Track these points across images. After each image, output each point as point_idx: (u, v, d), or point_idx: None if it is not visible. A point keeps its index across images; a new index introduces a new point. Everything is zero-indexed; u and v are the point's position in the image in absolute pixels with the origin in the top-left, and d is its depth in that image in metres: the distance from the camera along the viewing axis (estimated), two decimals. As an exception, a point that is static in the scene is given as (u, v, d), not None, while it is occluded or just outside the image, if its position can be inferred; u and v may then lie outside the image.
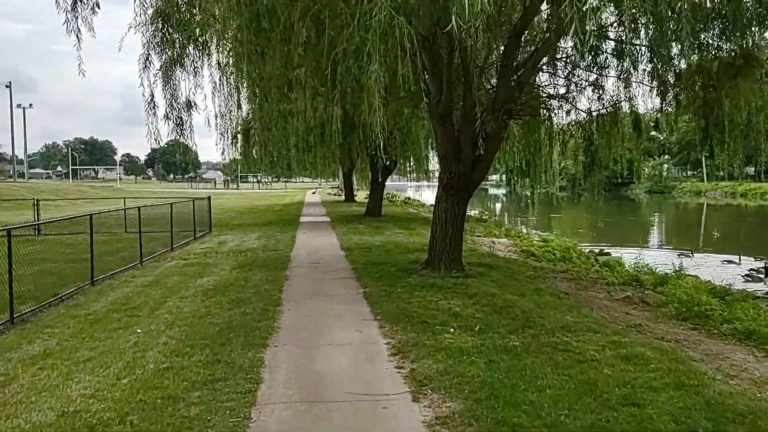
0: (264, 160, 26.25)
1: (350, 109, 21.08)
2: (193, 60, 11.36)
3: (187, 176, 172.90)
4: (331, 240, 20.23)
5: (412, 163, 32.90)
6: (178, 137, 10.99)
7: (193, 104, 11.29)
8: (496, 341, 7.47)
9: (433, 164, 32.54)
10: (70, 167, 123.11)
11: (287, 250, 17.41)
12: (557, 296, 10.66)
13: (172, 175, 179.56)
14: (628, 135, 15.32)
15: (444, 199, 12.92)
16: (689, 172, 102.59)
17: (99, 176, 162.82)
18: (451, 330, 7.98)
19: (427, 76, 12.38)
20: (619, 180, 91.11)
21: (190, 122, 11.28)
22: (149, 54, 10.53)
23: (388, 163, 29.54)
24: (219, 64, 22.77)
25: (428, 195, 70.87)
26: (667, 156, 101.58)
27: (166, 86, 11.11)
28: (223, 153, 26.00)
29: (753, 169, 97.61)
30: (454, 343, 7.41)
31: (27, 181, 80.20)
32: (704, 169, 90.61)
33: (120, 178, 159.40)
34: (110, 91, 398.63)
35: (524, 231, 25.76)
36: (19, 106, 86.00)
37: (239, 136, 25.14)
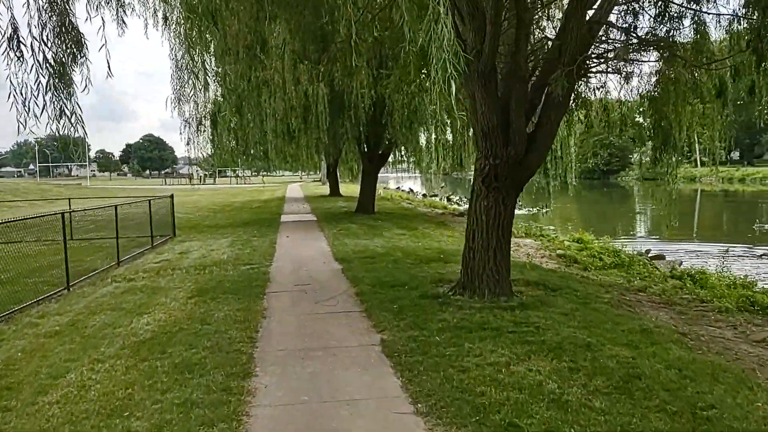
0: (237, 148, 22.25)
1: (340, 84, 17.29)
2: None
3: (163, 172, 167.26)
4: (320, 246, 16.38)
5: (403, 153, 29.10)
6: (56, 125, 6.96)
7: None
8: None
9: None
10: (38, 165, 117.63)
11: (265, 263, 13.54)
12: (686, 346, 6.89)
13: (148, 171, 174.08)
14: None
15: (484, 195, 9.13)
16: (677, 158, 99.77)
17: (73, 174, 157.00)
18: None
19: (461, 19, 8.56)
20: (606, 168, 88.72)
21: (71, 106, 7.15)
22: None
23: (381, 150, 25.71)
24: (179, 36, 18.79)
25: (411, 186, 67.31)
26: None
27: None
28: (188, 143, 22.21)
29: (738, 153, 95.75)
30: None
31: (-11, 180, 75.16)
32: (697, 154, 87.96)
33: (94, 175, 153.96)
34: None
35: (539, 227, 22.02)
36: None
37: (205, 122, 21.13)
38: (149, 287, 11.09)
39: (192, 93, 19.37)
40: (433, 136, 21.69)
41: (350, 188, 48.51)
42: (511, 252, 15.55)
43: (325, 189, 47.74)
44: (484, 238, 9.18)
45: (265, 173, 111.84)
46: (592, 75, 9.49)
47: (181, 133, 21.36)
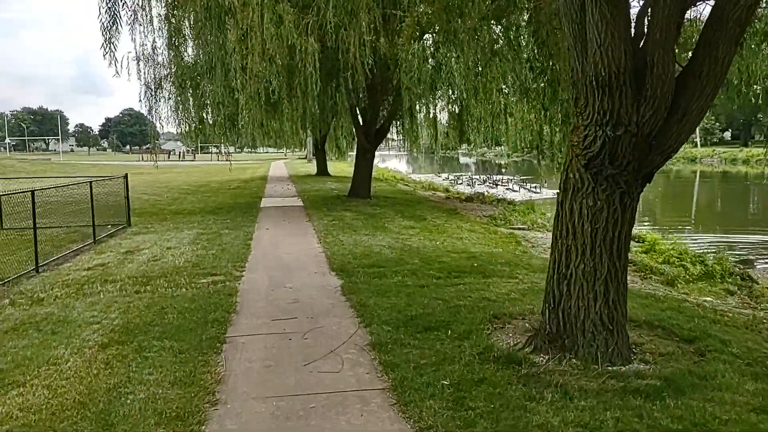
0: (209, 117, 18.26)
1: (334, 38, 13.50)
2: None
3: (144, 147, 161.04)
4: (309, 244, 12.63)
5: (407, 127, 25.32)
6: None
7: None
8: None
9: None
10: (7, 139, 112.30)
11: (234, 273, 9.80)
12: None
13: (128, 147, 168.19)
14: None
15: (588, 190, 5.44)
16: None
17: (50, 148, 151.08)
18: None
19: None
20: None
21: None
22: None
23: (380, 124, 21.86)
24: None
25: (395, 165, 63.50)
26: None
27: None
28: (150, 111, 18.31)
29: (729, 133, 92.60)
30: None
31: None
32: (697, 133, 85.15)
33: (72, 150, 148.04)
34: (62, 59, 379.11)
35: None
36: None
37: (168, 84, 17.17)
38: (53, 320, 7.31)
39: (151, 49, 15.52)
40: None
41: (338, 167, 44.63)
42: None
43: (312, 167, 43.82)
44: (588, 260, 5.50)
45: (250, 150, 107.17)
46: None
47: (140, 100, 17.46)
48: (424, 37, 13.62)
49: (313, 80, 14.87)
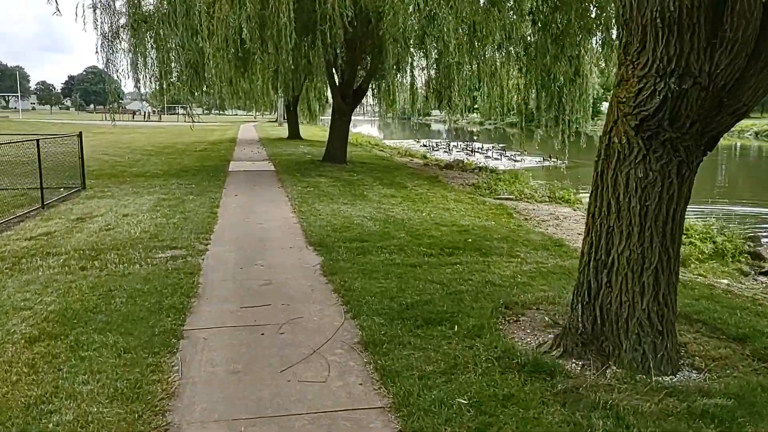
0: (173, 72, 16.69)
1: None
2: None
3: (108, 106, 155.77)
4: (282, 212, 11.45)
5: (385, 88, 24.02)
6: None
7: None
8: None
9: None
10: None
11: (198, 246, 8.60)
12: None
13: (92, 106, 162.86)
14: None
15: (638, 157, 4.37)
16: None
17: (11, 106, 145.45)
18: None
19: None
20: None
21: None
22: None
23: (358, 85, 20.53)
24: None
25: (368, 131, 62.00)
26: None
27: None
28: (107, 64, 16.78)
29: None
30: None
31: None
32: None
33: (33, 108, 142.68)
34: (24, 15, 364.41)
35: (565, 189, 17.39)
36: None
37: (126, 34, 15.59)
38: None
39: None
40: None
41: (310, 131, 43.12)
42: (554, 232, 10.96)
43: (283, 131, 42.21)
44: (635, 244, 4.45)
45: (218, 112, 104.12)
46: None
47: (97, 52, 15.87)
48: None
49: (287, 32, 13.52)
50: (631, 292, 4.49)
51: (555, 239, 9.77)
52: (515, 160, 30.37)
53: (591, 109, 20.46)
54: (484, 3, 10.11)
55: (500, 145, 39.40)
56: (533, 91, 18.42)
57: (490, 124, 74.25)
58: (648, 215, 4.43)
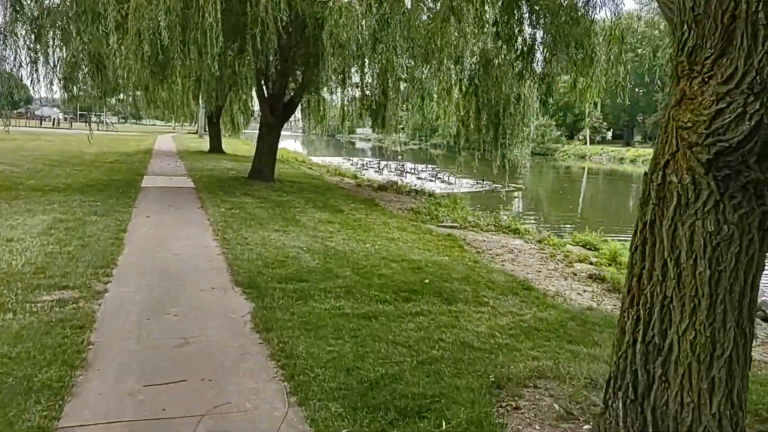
0: (78, 71, 14.64)
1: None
2: None
3: (15, 112, 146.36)
4: (203, 243, 9.78)
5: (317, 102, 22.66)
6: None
7: None
8: None
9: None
10: None
11: (96, 286, 6.86)
12: None
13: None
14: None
15: (701, 201, 3.17)
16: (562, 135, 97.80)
17: None
18: None
19: None
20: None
21: None
22: None
23: (288, 98, 19.02)
24: None
25: (292, 146, 60.38)
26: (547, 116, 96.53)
27: None
28: (2, 61, 14.69)
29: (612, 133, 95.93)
30: None
31: None
32: (587, 132, 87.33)
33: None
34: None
35: (511, 216, 16.42)
36: None
37: (22, 28, 13.56)
38: None
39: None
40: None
41: (233, 145, 41.03)
42: (513, 268, 9.85)
43: (204, 144, 39.91)
44: (704, 323, 3.24)
45: (135, 121, 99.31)
46: None
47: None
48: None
49: (213, 34, 11.96)
50: (696, 389, 3.26)
51: (520, 281, 8.60)
52: (449, 183, 29.51)
53: (530, 134, 19.86)
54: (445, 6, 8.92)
55: (431, 167, 38.67)
56: (473, 112, 17.59)
57: (414, 144, 74.19)
58: (721, 284, 3.23)
